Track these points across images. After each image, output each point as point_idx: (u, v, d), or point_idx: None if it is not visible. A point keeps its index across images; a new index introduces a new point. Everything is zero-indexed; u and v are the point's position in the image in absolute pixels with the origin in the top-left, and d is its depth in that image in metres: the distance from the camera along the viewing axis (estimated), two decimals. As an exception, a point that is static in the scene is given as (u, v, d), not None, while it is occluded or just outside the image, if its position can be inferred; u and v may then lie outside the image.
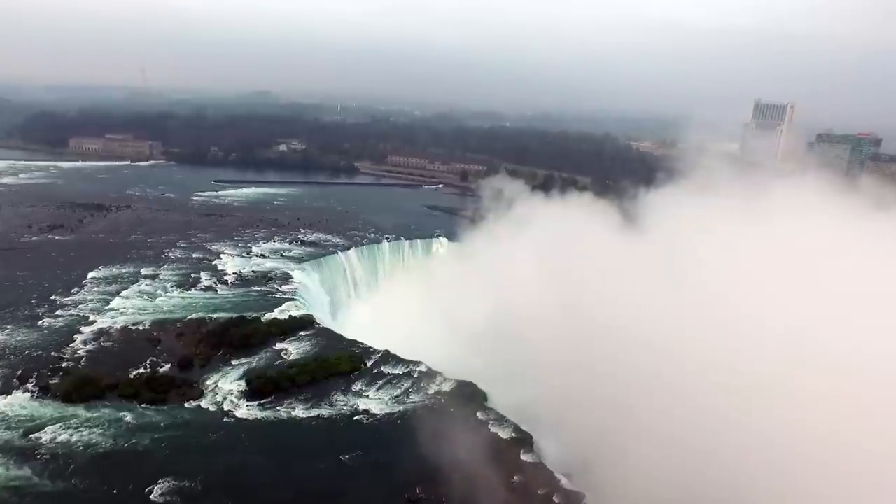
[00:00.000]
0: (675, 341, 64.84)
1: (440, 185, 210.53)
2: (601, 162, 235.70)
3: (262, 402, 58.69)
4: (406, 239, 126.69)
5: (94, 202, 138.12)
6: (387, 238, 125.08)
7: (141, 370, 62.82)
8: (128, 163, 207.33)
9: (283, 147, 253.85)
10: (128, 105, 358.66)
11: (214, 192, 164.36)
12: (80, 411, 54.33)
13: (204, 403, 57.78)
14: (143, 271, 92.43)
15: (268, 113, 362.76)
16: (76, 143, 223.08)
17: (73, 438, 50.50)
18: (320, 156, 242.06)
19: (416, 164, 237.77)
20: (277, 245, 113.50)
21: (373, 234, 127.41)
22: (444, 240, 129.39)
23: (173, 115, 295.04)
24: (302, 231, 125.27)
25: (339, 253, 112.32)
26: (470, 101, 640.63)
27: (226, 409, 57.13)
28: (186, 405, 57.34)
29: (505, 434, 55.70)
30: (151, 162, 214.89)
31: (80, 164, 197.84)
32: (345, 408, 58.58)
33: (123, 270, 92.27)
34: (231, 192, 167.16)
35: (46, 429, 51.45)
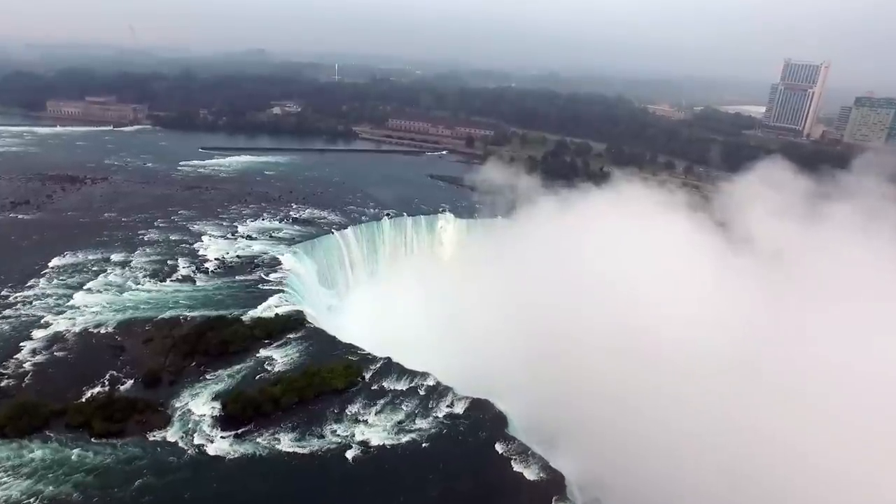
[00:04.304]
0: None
1: (444, 152, 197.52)
2: (615, 126, 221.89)
3: (239, 431, 49.04)
4: (409, 215, 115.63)
5: (68, 174, 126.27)
6: (387, 214, 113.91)
7: (97, 389, 52.97)
8: (110, 128, 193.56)
9: (276, 110, 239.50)
10: (113, 65, 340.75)
11: (201, 162, 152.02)
12: (15, 450, 44.60)
13: (170, 435, 48.05)
14: (114, 257, 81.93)
15: (261, 73, 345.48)
16: (54, 107, 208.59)
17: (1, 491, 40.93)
18: (316, 120, 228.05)
19: (418, 129, 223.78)
20: (266, 223, 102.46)
21: (372, 210, 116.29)
22: (450, 216, 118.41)
23: (161, 75, 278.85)
24: (294, 206, 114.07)
25: (335, 232, 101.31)
26: (471, 59, 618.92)
27: (195, 442, 47.44)
28: (149, 437, 47.67)
29: (532, 473, 46.25)
30: (136, 127, 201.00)
31: (57, 129, 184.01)
32: (338, 438, 48.92)
33: (91, 257, 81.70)
34: (219, 160, 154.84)
35: (-31, 476, 41.90)
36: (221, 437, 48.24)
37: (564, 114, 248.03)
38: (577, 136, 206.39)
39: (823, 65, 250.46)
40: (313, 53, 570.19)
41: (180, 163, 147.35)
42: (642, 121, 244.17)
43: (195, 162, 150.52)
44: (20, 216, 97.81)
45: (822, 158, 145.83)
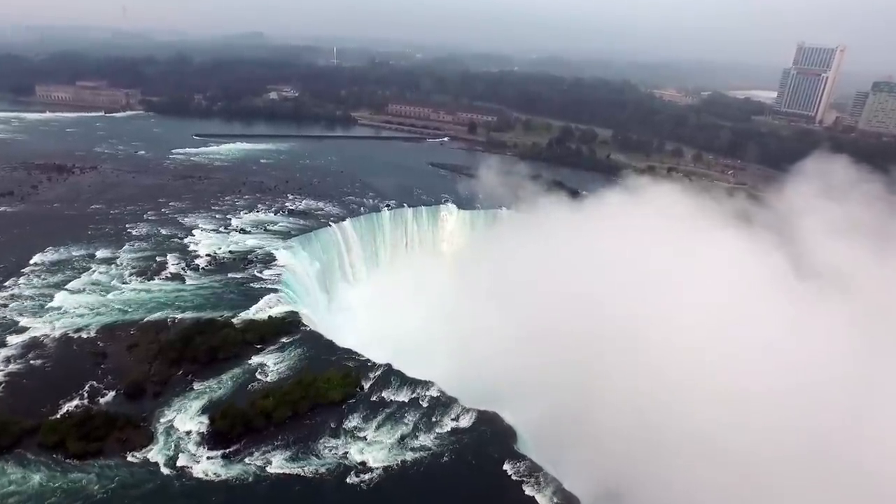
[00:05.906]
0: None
1: (445, 139, 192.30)
2: (621, 112, 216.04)
3: (227, 450, 45.26)
4: (409, 206, 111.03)
5: (55, 162, 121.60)
6: (387, 205, 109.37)
7: (75, 403, 49.15)
8: (101, 114, 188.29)
9: (273, 95, 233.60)
10: (107, 48, 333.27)
11: (195, 149, 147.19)
12: (-18, 474, 40.92)
13: (152, 455, 44.26)
14: (99, 254, 77.77)
15: (258, 56, 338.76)
16: (43, 92, 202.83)
17: (-36, 522, 37.29)
18: (314, 105, 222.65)
19: (418, 114, 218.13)
20: (261, 216, 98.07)
21: (371, 200, 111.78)
22: (453, 207, 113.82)
23: (154, 59, 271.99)
24: (290, 197, 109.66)
25: (333, 225, 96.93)
26: (471, 42, 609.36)
27: (179, 463, 43.66)
28: (129, 458, 43.86)
29: (544, 498, 42.60)
30: (128, 113, 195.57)
31: (47, 115, 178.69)
32: (335, 458, 45.15)
33: (75, 253, 77.52)
34: (213, 148, 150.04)
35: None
36: (208, 457, 44.45)
37: (568, 99, 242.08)
38: (582, 121, 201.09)
39: (838, 48, 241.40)
40: (312, 37, 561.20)
41: (173, 150, 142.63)
42: (649, 106, 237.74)
43: (188, 149, 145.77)
44: (2, 208, 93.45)
45: (839, 146, 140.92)
